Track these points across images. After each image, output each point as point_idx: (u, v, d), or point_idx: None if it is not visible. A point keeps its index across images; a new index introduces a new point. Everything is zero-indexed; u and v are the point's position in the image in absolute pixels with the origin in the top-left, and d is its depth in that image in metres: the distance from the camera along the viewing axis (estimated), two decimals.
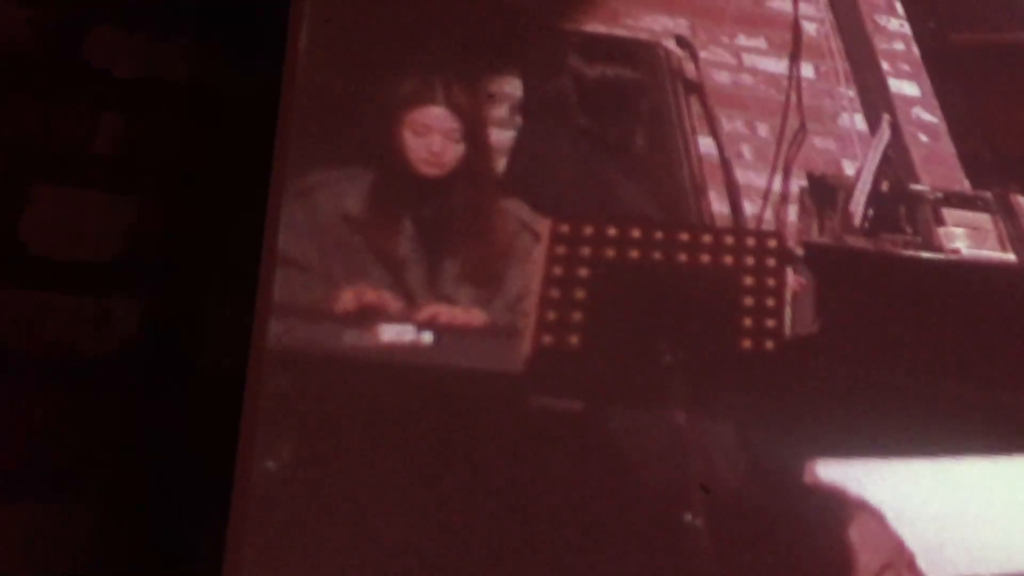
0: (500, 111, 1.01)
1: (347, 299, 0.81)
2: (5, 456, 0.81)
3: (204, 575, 0.78)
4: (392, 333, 0.83)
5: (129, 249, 0.93)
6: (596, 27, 1.12)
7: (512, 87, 1.03)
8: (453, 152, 0.92)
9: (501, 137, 0.99)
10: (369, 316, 0.82)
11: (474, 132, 0.95)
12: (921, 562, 0.84)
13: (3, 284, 0.88)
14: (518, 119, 1.01)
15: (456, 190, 0.91)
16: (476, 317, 0.86)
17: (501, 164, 0.97)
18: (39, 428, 0.82)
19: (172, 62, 1.05)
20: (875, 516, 0.86)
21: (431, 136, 0.91)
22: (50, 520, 0.78)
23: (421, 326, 0.84)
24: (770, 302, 0.96)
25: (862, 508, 0.86)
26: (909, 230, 1.08)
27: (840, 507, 0.86)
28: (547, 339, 0.87)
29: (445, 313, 0.84)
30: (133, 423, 0.85)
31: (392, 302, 0.82)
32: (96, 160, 0.97)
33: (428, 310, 0.84)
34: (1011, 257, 1.09)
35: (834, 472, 0.87)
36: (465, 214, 0.90)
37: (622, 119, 1.06)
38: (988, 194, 1.14)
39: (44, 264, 0.90)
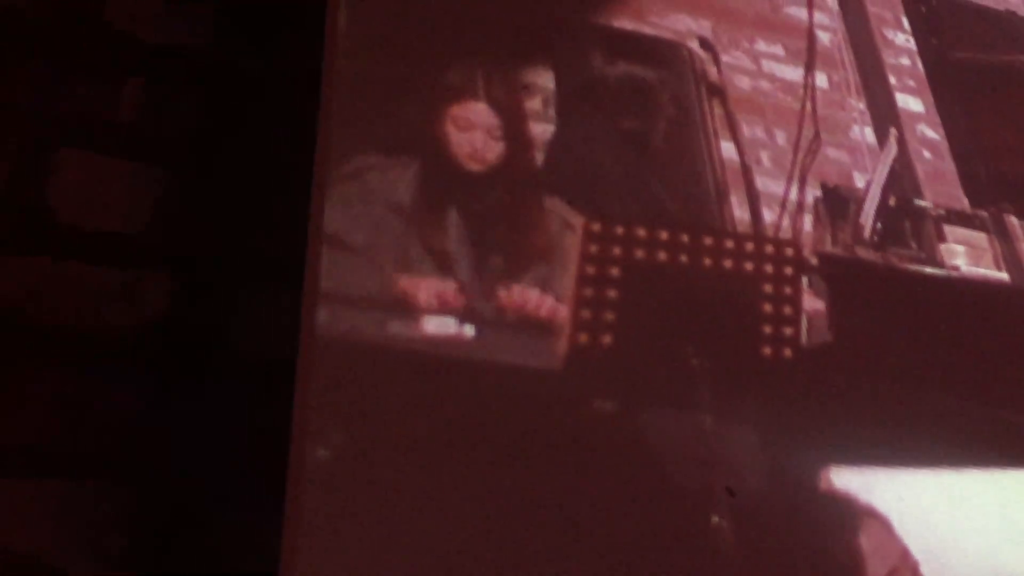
0: (534, 103, 1.01)
1: (398, 288, 0.81)
2: (24, 430, 0.80)
3: (234, 555, 0.78)
4: (435, 325, 0.83)
5: (156, 221, 0.91)
6: (624, 23, 1.12)
7: (545, 79, 1.03)
8: (494, 149, 0.92)
9: (536, 130, 1.00)
10: (418, 308, 0.82)
11: (515, 128, 0.95)
12: (925, 569, 0.89)
13: (28, 251, 0.86)
14: (551, 112, 1.01)
15: (500, 186, 0.91)
16: (511, 311, 0.86)
17: (540, 159, 0.97)
18: (67, 403, 0.81)
19: (196, 28, 1.03)
20: (883, 523, 0.90)
21: (473, 132, 0.91)
22: (80, 498, 0.77)
23: (470, 319, 0.84)
24: (787, 310, 0.99)
25: (871, 515, 0.90)
26: (914, 245, 1.12)
27: (851, 513, 0.89)
28: (582, 338, 0.88)
29: (482, 305, 0.85)
30: (162, 400, 0.84)
31: (442, 295, 0.82)
32: (122, 128, 0.95)
33: (464, 301, 0.84)
34: (1005, 276, 1.14)
35: (845, 479, 0.91)
36: (510, 211, 0.90)
37: (649, 117, 1.08)
38: (985, 213, 1.19)
39: (71, 232, 0.88)
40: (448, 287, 0.83)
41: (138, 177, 0.92)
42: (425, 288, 0.82)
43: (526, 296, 0.85)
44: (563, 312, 0.88)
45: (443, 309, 0.83)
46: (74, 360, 0.83)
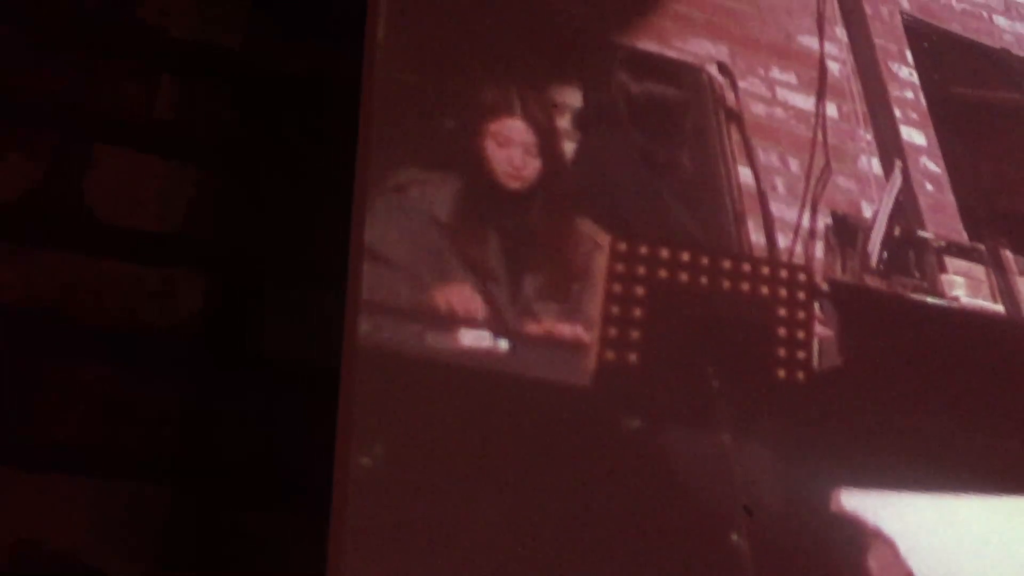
0: (564, 122, 1.03)
1: (437, 302, 0.82)
2: (66, 428, 0.80)
3: (272, 556, 0.79)
4: (471, 338, 0.85)
5: (191, 221, 0.92)
6: (647, 45, 1.15)
7: (574, 98, 1.05)
8: (532, 166, 0.94)
9: (567, 149, 1.02)
10: (456, 321, 0.83)
11: (550, 146, 0.97)
12: None
13: (66, 248, 0.86)
14: (579, 131, 1.04)
15: (537, 206, 0.93)
16: (549, 328, 0.88)
17: (572, 177, 0.99)
18: (103, 401, 0.81)
19: (228, 27, 1.03)
20: (889, 546, 0.93)
21: (512, 149, 0.93)
22: (117, 497, 0.77)
23: (493, 331, 0.86)
24: (800, 334, 1.02)
25: (878, 537, 0.93)
26: (917, 275, 1.16)
27: (860, 535, 0.93)
28: (610, 355, 0.90)
29: (518, 321, 0.87)
30: (197, 399, 0.85)
31: (480, 310, 0.84)
32: (157, 125, 0.95)
33: (500, 316, 0.86)
34: (1000, 309, 1.19)
35: (855, 501, 0.94)
36: (545, 231, 0.92)
37: (671, 138, 1.10)
38: (982, 246, 1.23)
39: (109, 231, 0.88)
40: (484, 302, 0.85)
41: (173, 175, 0.93)
42: (462, 302, 0.84)
43: (558, 318, 0.87)
44: (592, 329, 0.90)
45: (479, 323, 0.84)
46: (110, 358, 0.83)
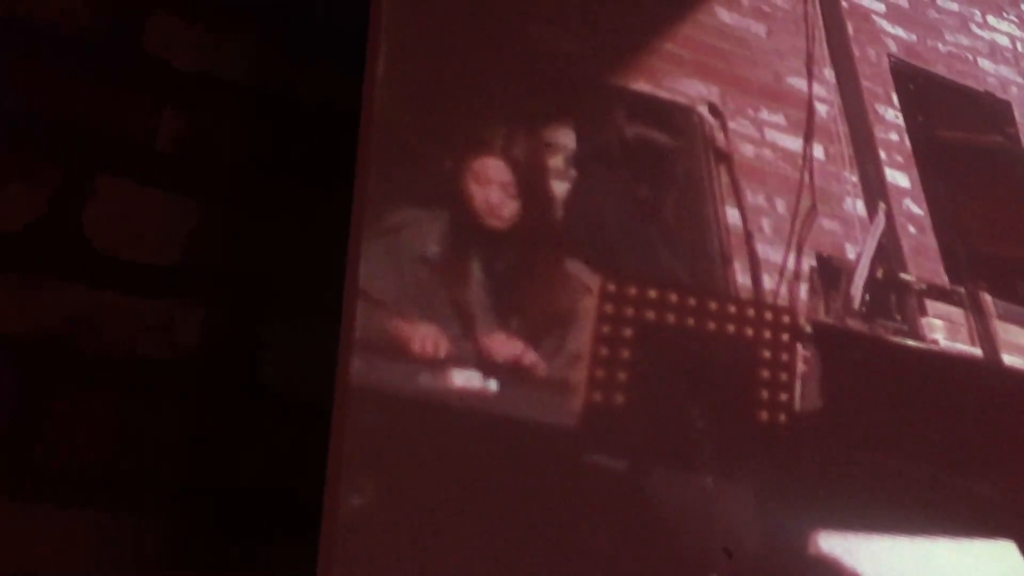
0: (556, 161, 1.05)
1: (419, 341, 0.84)
2: (69, 455, 0.81)
3: None
4: (464, 379, 0.86)
5: (191, 254, 0.93)
6: (640, 85, 1.17)
7: (567, 138, 1.07)
8: (510, 206, 0.95)
9: (560, 190, 1.03)
10: (445, 361, 0.85)
11: (534, 186, 0.99)
12: None
13: (67, 279, 0.87)
14: (572, 171, 1.06)
15: (520, 244, 0.95)
16: (533, 368, 0.90)
17: (560, 218, 1.01)
18: (102, 431, 0.82)
19: (233, 59, 1.05)
20: None
21: (490, 187, 0.95)
22: (117, 527, 0.79)
23: (481, 371, 0.88)
24: (783, 376, 1.04)
25: None
26: (898, 317, 1.18)
27: None
28: (597, 396, 0.92)
29: (506, 360, 0.88)
30: (196, 431, 0.86)
31: (465, 349, 0.86)
32: (159, 156, 0.96)
33: (488, 355, 0.88)
34: (978, 352, 1.21)
35: (833, 545, 0.96)
36: (530, 270, 0.94)
37: (661, 180, 1.12)
38: (962, 290, 1.26)
39: (108, 262, 0.89)
40: (469, 341, 0.86)
41: (173, 208, 0.94)
42: (447, 341, 0.85)
43: (545, 359, 0.89)
44: (579, 371, 0.92)
45: (466, 363, 0.86)
46: (110, 390, 0.84)
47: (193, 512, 0.82)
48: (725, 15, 1.31)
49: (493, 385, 0.88)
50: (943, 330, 1.21)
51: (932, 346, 1.18)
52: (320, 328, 0.87)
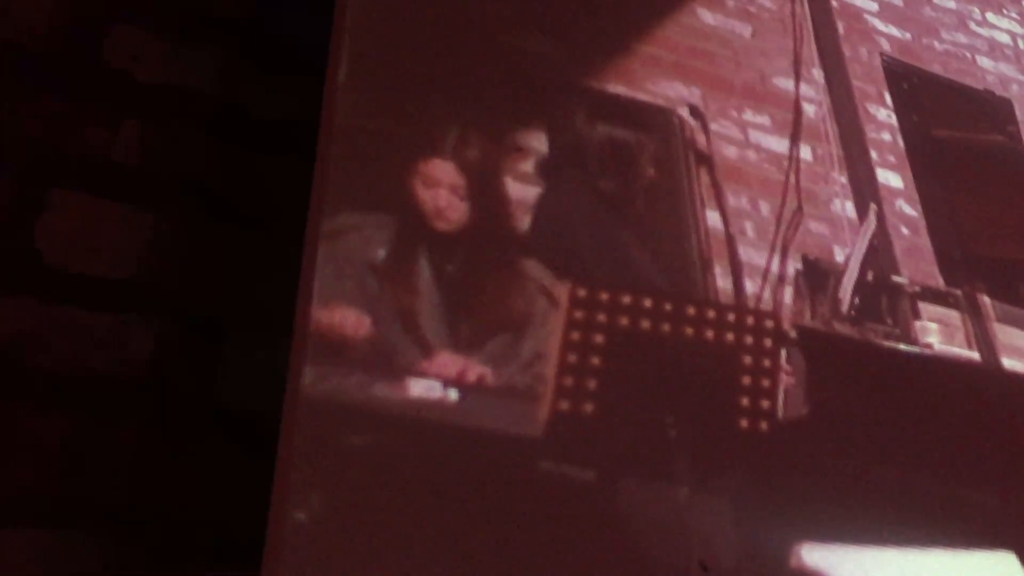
0: (526, 165, 1.03)
1: (365, 348, 0.81)
2: (12, 476, 0.79)
3: None
4: (420, 388, 0.83)
5: (146, 267, 0.91)
6: (618, 88, 1.14)
7: (539, 142, 1.05)
8: (459, 209, 0.93)
9: (526, 192, 1.01)
10: (390, 368, 0.82)
11: (488, 188, 0.96)
12: None
13: (16, 293, 0.85)
14: (542, 176, 1.03)
15: (472, 247, 0.92)
16: (489, 376, 0.87)
17: (523, 221, 0.98)
18: (50, 449, 0.80)
19: (196, 70, 1.03)
20: None
21: (438, 190, 0.92)
22: (63, 547, 0.76)
23: (439, 381, 0.85)
24: (765, 383, 1.00)
25: None
26: (890, 321, 1.14)
27: None
28: (564, 405, 0.89)
29: (460, 369, 0.86)
30: (147, 450, 0.84)
31: (408, 354, 0.83)
32: (116, 169, 0.95)
33: (444, 364, 0.85)
34: (976, 356, 1.17)
35: (817, 557, 0.92)
36: (483, 272, 0.91)
37: (637, 183, 1.09)
38: (958, 292, 1.21)
39: (59, 276, 0.87)
40: (418, 347, 0.84)
41: (131, 220, 0.92)
42: (396, 349, 0.83)
43: (505, 366, 0.86)
44: (546, 379, 0.89)
45: (423, 373, 0.83)
46: (59, 406, 0.82)
47: (137, 533, 0.79)
48: (708, 16, 1.28)
49: (453, 395, 0.85)
50: (938, 333, 1.16)
51: (926, 350, 1.14)
52: (279, 343, 0.85)
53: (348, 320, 0.82)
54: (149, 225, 0.93)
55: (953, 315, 1.19)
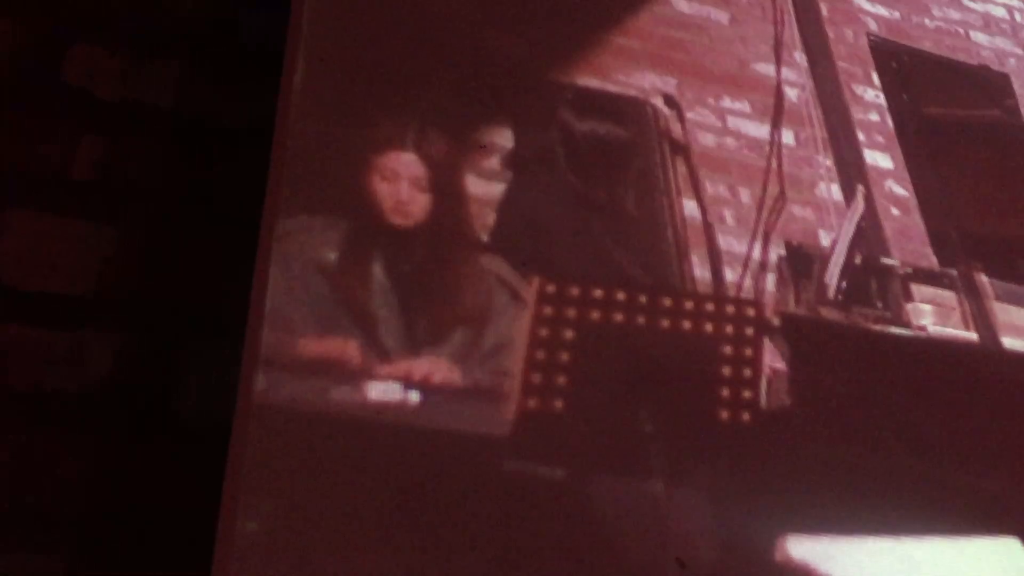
0: (491, 163, 1.01)
1: (319, 353, 0.80)
2: None
3: None
4: (378, 391, 0.82)
5: (105, 283, 0.90)
6: (588, 81, 1.12)
7: (504, 139, 1.03)
8: (420, 202, 0.91)
9: (490, 189, 0.99)
10: (345, 372, 0.80)
11: (447, 182, 0.94)
12: None
13: None
14: (508, 172, 1.01)
15: (427, 243, 0.90)
16: (450, 375, 0.85)
17: (485, 217, 0.96)
18: (6, 470, 0.79)
19: (155, 86, 1.02)
20: None
21: (399, 183, 0.90)
22: (17, 571, 0.75)
23: (396, 382, 0.83)
24: (747, 372, 0.97)
25: None
26: (880, 304, 1.10)
27: None
28: (532, 403, 0.87)
29: (419, 370, 0.84)
30: (105, 467, 0.83)
31: (364, 358, 0.81)
32: (74, 186, 0.94)
33: (401, 365, 0.83)
34: (974, 336, 1.13)
35: (804, 549, 0.89)
36: (438, 268, 0.89)
37: (610, 177, 1.07)
38: (954, 271, 1.17)
39: (15, 295, 0.87)
40: (373, 348, 0.82)
41: (88, 236, 0.91)
42: (351, 352, 0.81)
43: (467, 365, 0.84)
44: (511, 376, 0.87)
45: (368, 372, 0.81)
46: (16, 424, 0.82)
47: (95, 546, 0.78)
48: (683, 5, 1.25)
49: (413, 396, 0.83)
50: (932, 315, 1.12)
51: (919, 333, 1.10)
52: (239, 352, 0.83)
53: (300, 324, 0.81)
54: (108, 241, 0.92)
55: (948, 296, 1.15)
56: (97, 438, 0.83)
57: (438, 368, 0.83)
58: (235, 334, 0.87)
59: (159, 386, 0.87)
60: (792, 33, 1.32)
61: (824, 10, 1.38)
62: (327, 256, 0.85)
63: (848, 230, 1.14)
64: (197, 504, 0.80)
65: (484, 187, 0.98)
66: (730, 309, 1.01)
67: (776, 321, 1.03)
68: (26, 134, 0.96)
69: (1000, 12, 1.56)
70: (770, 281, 1.06)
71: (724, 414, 0.94)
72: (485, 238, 0.95)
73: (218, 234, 0.96)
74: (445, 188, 0.93)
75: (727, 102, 1.19)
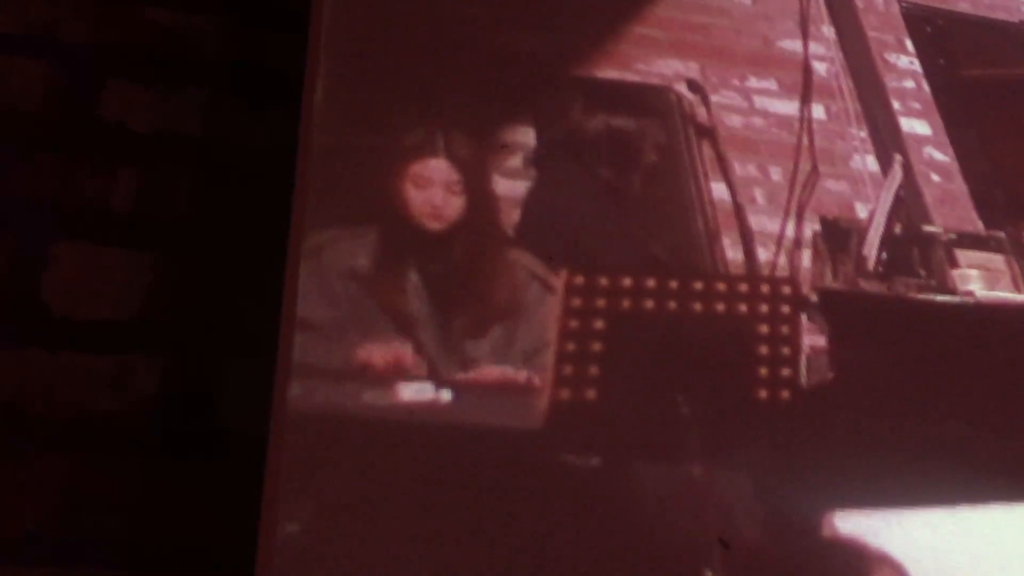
0: (514, 161, 1.02)
1: (367, 358, 0.82)
2: (23, 520, 0.82)
3: None
4: (411, 391, 0.83)
5: (148, 307, 0.94)
6: (608, 73, 1.13)
7: (525, 136, 1.04)
8: (454, 205, 0.93)
9: (514, 187, 1.00)
10: (386, 375, 0.82)
11: (477, 183, 0.96)
12: None
13: (23, 344, 0.89)
14: (532, 169, 1.02)
15: (460, 243, 0.92)
16: (483, 372, 0.86)
17: (510, 215, 0.97)
18: (58, 490, 0.83)
19: (187, 115, 1.06)
20: (896, 570, 0.86)
21: (432, 189, 0.92)
22: None
23: (439, 384, 0.84)
24: (785, 350, 0.96)
25: (883, 561, 0.86)
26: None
27: (861, 561, 0.86)
28: (564, 394, 0.87)
29: (452, 368, 0.85)
30: (153, 484, 0.86)
31: (405, 359, 0.83)
32: (114, 217, 0.98)
33: (434, 365, 0.84)
34: None
35: (853, 524, 0.87)
36: (471, 267, 0.91)
37: (634, 166, 1.07)
38: (1001, 234, 1.14)
39: (65, 324, 0.91)
40: (414, 351, 0.83)
41: (130, 264, 0.95)
42: (389, 354, 0.82)
43: (498, 360, 0.85)
44: (543, 369, 0.88)
45: (413, 374, 0.83)
46: (68, 448, 0.85)
47: (143, 565, 0.81)
48: None
49: (445, 394, 0.84)
50: (980, 280, 1.09)
51: (967, 298, 1.07)
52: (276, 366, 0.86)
53: (331, 330, 0.83)
54: (149, 267, 0.96)
55: (996, 259, 1.12)
56: (144, 457, 0.86)
57: (471, 365, 0.85)
58: (275, 350, 0.89)
59: (202, 404, 0.90)
60: (818, 6, 1.30)
61: None
62: (355, 263, 0.87)
63: (886, 200, 1.12)
64: (243, 518, 0.83)
65: (509, 186, 0.99)
66: (764, 288, 1.00)
67: (814, 297, 1.01)
68: (68, 170, 1.00)
69: None
70: (806, 257, 1.05)
71: (763, 393, 0.93)
72: (512, 234, 0.96)
73: (252, 253, 0.99)
74: (471, 190, 0.95)
75: (753, 82, 1.18)
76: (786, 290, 1.01)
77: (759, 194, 1.09)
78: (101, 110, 1.05)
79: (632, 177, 1.05)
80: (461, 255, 0.90)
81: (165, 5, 1.09)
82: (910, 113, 1.24)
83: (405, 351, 0.83)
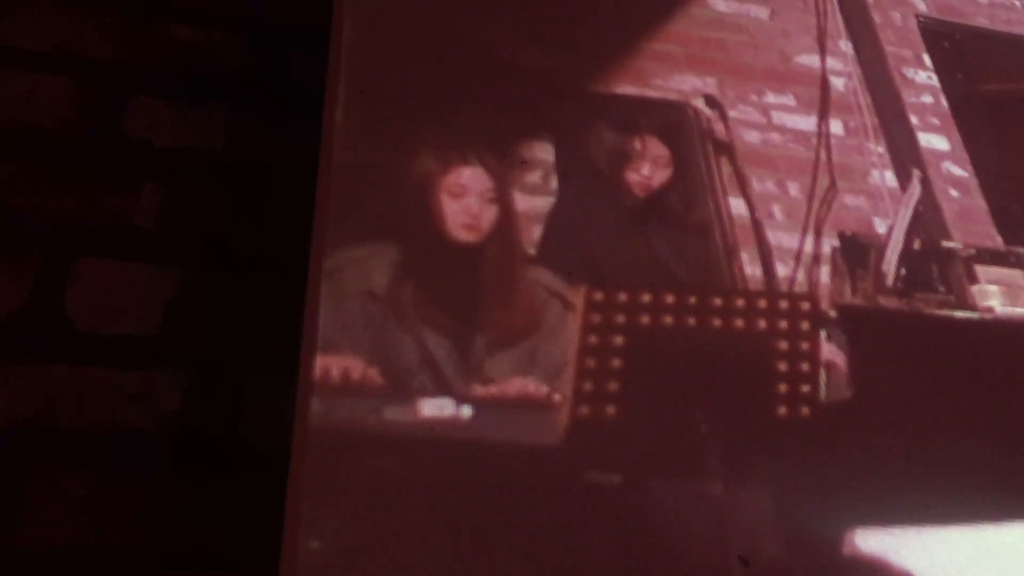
0: (533, 177, 1.02)
1: (387, 375, 0.82)
2: (49, 533, 0.83)
3: None
4: (432, 407, 0.84)
5: (171, 323, 0.95)
6: (626, 88, 1.13)
7: (545, 152, 1.05)
8: (489, 213, 0.93)
9: (535, 204, 1.00)
10: (410, 392, 0.83)
11: (503, 197, 0.96)
12: None
13: (48, 360, 0.90)
14: (552, 185, 1.02)
15: (488, 257, 0.92)
16: (511, 389, 0.86)
17: (532, 231, 0.98)
18: (82, 504, 0.84)
19: (210, 132, 1.07)
20: None
21: (468, 197, 0.93)
22: None
23: (459, 400, 0.85)
24: (804, 367, 0.96)
25: None
26: (942, 289, 1.08)
27: None
28: (584, 410, 0.88)
29: (472, 384, 0.85)
30: (176, 499, 0.86)
31: (430, 376, 0.83)
32: (138, 233, 0.99)
33: (453, 381, 0.85)
34: None
35: (874, 542, 0.87)
36: (493, 284, 0.91)
37: (654, 183, 1.07)
38: (1021, 249, 1.14)
39: (89, 340, 0.92)
40: (432, 368, 0.84)
41: (153, 279, 0.96)
42: (409, 370, 0.83)
43: (519, 376, 0.85)
44: (563, 385, 0.88)
45: (434, 391, 0.83)
46: (92, 463, 0.86)
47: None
48: (720, 4, 1.25)
49: (466, 411, 0.84)
50: (1000, 295, 1.09)
51: (986, 315, 1.07)
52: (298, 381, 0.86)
53: (352, 347, 0.84)
54: (172, 282, 0.97)
55: (1016, 274, 1.12)
56: (167, 471, 0.87)
57: (492, 382, 0.85)
58: (297, 365, 0.90)
59: (225, 419, 0.91)
60: (836, 22, 1.30)
61: None
62: (376, 281, 0.87)
63: (905, 215, 1.12)
64: (265, 533, 0.83)
65: (528, 202, 1.00)
66: (783, 304, 1.00)
67: (832, 313, 1.02)
68: (92, 187, 1.01)
69: None
70: (824, 273, 1.05)
71: (782, 410, 0.93)
72: (532, 252, 0.96)
73: (275, 268, 1.00)
74: (501, 198, 0.95)
75: (770, 97, 1.19)
76: (805, 306, 1.01)
77: (777, 210, 1.10)
78: (125, 127, 1.06)
79: (652, 194, 1.06)
80: (486, 271, 0.91)
81: (188, 23, 1.11)
82: (928, 128, 1.24)
83: (427, 367, 0.83)
